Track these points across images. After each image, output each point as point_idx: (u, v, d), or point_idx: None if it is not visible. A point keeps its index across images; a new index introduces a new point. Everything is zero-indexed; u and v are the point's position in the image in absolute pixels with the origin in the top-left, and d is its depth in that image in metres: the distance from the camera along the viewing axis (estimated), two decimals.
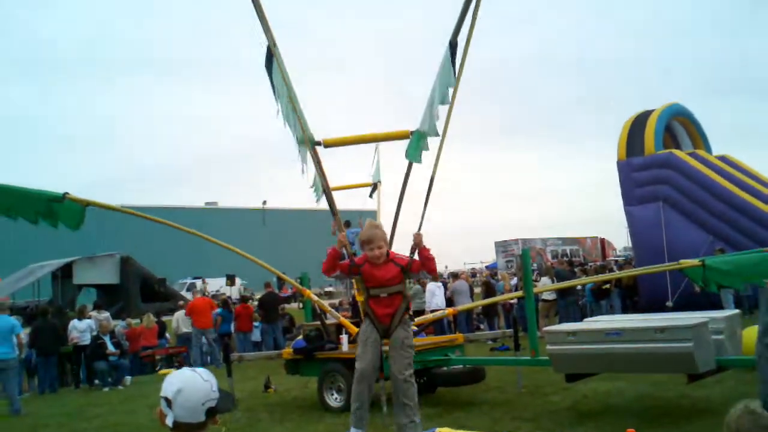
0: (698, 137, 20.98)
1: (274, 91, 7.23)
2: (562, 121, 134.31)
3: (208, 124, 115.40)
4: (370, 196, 14.48)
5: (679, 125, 21.00)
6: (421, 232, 6.94)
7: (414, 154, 7.99)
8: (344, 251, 7.08)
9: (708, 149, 20.67)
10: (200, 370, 2.50)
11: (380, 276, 6.49)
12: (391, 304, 6.50)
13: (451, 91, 7.22)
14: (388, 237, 10.07)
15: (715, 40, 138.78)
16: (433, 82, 7.47)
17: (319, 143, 7.89)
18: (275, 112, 7.34)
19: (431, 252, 6.66)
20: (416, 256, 6.69)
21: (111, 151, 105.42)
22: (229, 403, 2.61)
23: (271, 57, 6.98)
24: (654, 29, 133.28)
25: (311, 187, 13.82)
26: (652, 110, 20.02)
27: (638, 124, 19.75)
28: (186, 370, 2.49)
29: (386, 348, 6.78)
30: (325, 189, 8.67)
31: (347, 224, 12.65)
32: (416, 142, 7.93)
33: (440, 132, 7.60)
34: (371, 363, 6.46)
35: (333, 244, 6.95)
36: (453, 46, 7.00)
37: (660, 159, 18.90)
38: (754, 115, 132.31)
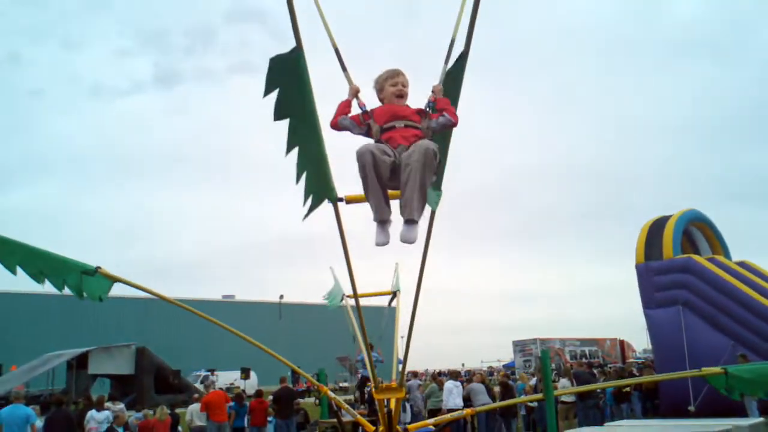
0: (717, 242, 21.08)
1: (286, 110, 6.50)
2: (581, 225, 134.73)
3: (227, 218, 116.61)
4: (389, 304, 14.67)
5: (697, 230, 21.14)
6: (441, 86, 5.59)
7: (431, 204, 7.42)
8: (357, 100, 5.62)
9: (727, 255, 20.73)
10: None
11: (396, 108, 5.33)
12: (410, 132, 5.18)
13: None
14: (406, 340, 9.93)
15: (732, 144, 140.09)
16: None
17: (341, 199, 7.58)
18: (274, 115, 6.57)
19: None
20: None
21: (129, 246, 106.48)
22: None
23: (286, 62, 6.37)
24: (673, 134, 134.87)
25: (326, 298, 13.95)
26: (670, 215, 20.21)
27: (656, 228, 19.92)
28: None
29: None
30: (343, 243, 8.28)
31: (371, 347, 12.66)
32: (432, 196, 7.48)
33: (441, 190, 7.13)
34: (376, 144, 5.01)
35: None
36: (463, 56, 6.59)
37: (679, 263, 18.95)
38: None
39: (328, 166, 7.07)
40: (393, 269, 14.67)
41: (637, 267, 19.71)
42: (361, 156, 4.84)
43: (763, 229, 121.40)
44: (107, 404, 17.83)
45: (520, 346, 45.35)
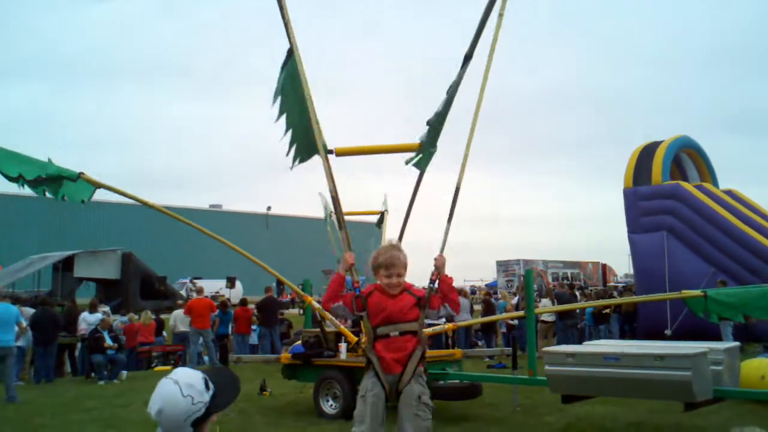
0: (706, 170, 21.08)
1: (277, 93, 7.03)
2: (572, 151, 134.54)
3: (216, 128, 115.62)
4: (377, 225, 14.77)
5: (687, 157, 21.10)
6: (444, 255, 5.59)
7: (417, 163, 7.77)
8: (350, 276, 5.69)
9: (715, 183, 20.77)
10: (183, 380, 2.46)
11: (392, 308, 5.06)
12: (404, 347, 5.04)
13: (456, 111, 7.01)
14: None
15: (727, 74, 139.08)
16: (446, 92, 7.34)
17: (331, 151, 7.72)
18: (275, 115, 7.12)
19: (453, 281, 5.41)
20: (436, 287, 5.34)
21: (117, 153, 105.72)
22: (228, 398, 2.61)
23: (290, 57, 6.94)
24: (664, 61, 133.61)
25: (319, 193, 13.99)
26: (661, 141, 20.13)
27: (646, 153, 19.86)
28: (168, 384, 2.45)
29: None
30: (333, 198, 8.55)
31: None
32: (425, 157, 7.82)
33: (436, 145, 7.41)
34: (370, 425, 4.98)
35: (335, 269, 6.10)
36: (467, 58, 6.88)
37: (666, 189, 18.98)
38: (761, 152, 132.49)
39: (319, 129, 7.20)
40: (382, 199, 14.94)
41: (625, 191, 19.74)
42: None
43: (752, 159, 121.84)
44: (84, 313, 18.00)
45: (503, 266, 45.79)
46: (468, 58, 6.77)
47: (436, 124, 7.10)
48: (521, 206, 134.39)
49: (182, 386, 2.44)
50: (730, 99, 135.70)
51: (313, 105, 7.23)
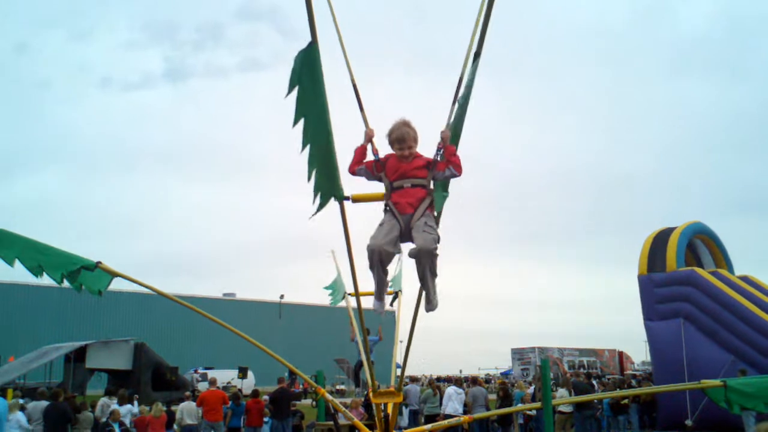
0: (720, 256, 21.03)
1: (297, 84, 6.81)
2: (583, 235, 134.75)
3: (231, 215, 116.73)
4: (391, 304, 14.59)
5: (702, 243, 21.09)
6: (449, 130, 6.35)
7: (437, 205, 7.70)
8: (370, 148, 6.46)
9: (730, 269, 20.68)
10: None
11: (405, 166, 6.02)
12: (415, 194, 5.96)
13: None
14: (406, 345, 9.99)
15: (736, 157, 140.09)
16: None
17: (347, 198, 7.68)
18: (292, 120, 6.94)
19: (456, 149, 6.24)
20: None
21: (130, 240, 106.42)
22: None
23: (311, 46, 6.68)
24: (673, 147, 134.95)
25: (327, 288, 13.96)
26: (675, 227, 20.16)
27: (660, 240, 19.86)
28: None
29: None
30: (348, 250, 8.44)
31: (367, 332, 12.66)
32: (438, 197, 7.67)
33: (448, 190, 7.33)
34: (384, 238, 5.77)
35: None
36: (477, 55, 6.80)
37: (682, 276, 18.89)
38: None
39: (336, 164, 7.18)
40: (396, 264, 14.61)
41: (640, 278, 19.65)
42: (371, 254, 5.75)
43: (766, 243, 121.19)
44: (103, 399, 17.84)
45: (518, 355, 45.31)
46: (477, 55, 6.74)
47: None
48: (536, 293, 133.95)
49: None
50: (745, 182, 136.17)
51: (333, 137, 7.11)
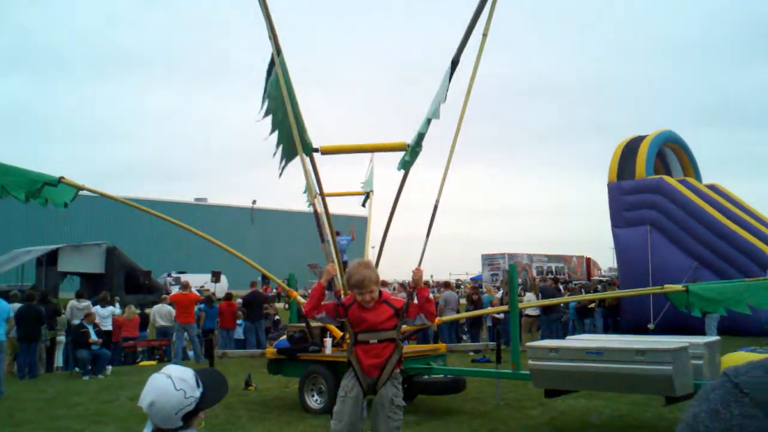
0: (689, 165, 21.25)
1: (266, 96, 7.19)
2: (556, 142, 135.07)
3: (204, 120, 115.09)
4: (363, 204, 14.70)
5: (671, 152, 21.25)
6: (422, 267, 6.14)
7: (402, 164, 7.96)
8: (333, 281, 6.30)
9: (698, 177, 20.93)
10: (176, 374, 2.54)
11: (371, 319, 5.51)
12: (382, 354, 5.51)
13: (442, 107, 7.22)
14: (378, 251, 10.15)
15: (710, 67, 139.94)
16: (433, 98, 7.50)
17: (316, 150, 7.85)
18: (261, 115, 7.23)
19: (431, 294, 5.90)
20: (414, 299, 5.85)
21: (102, 145, 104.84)
22: (218, 393, 2.67)
23: (273, 62, 7.03)
24: (648, 51, 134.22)
25: (304, 192, 13.97)
26: (645, 136, 20.26)
27: (630, 148, 19.98)
28: (161, 379, 2.53)
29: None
30: (321, 196, 8.73)
31: (336, 233, 12.75)
32: (408, 154, 7.94)
33: (421, 146, 7.56)
34: (348, 424, 5.45)
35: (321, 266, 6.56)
36: (454, 63, 7.04)
37: (650, 184, 19.11)
38: (744, 146, 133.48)
39: (304, 127, 7.34)
40: (367, 165, 14.66)
41: (609, 186, 19.86)
42: None
43: (735, 153, 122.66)
44: (72, 301, 17.90)
45: (488, 260, 45.94)
46: (455, 63, 6.88)
47: (423, 128, 7.30)
48: (506, 198, 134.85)
49: (175, 380, 2.50)
50: (713, 90, 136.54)
51: (297, 104, 7.31)
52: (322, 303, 5.75)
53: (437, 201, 6.80)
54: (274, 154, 7.69)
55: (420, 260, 6.46)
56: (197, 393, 2.53)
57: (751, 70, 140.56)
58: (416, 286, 5.83)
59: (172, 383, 2.49)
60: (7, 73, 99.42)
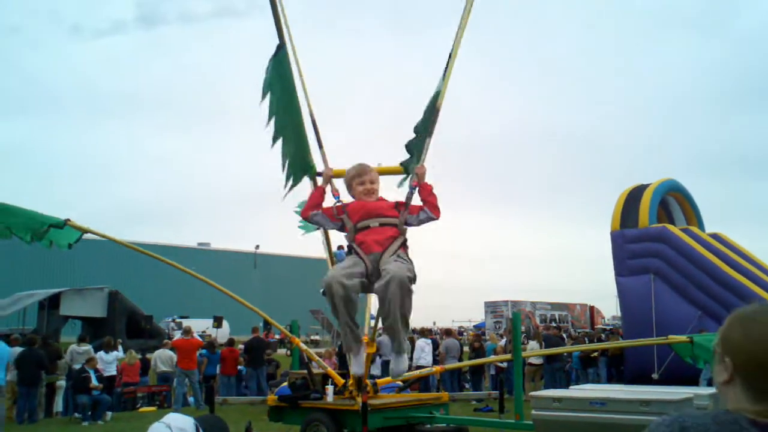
0: (692, 214, 21.29)
1: (268, 90, 6.87)
2: (557, 191, 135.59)
3: (206, 165, 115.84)
4: None
5: (674, 201, 21.32)
6: (425, 165, 5.82)
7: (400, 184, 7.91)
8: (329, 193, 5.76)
9: (701, 226, 20.96)
10: (175, 424, 2.54)
11: (371, 205, 5.27)
12: (384, 233, 5.13)
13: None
14: None
15: (708, 116, 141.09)
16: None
17: (319, 174, 7.85)
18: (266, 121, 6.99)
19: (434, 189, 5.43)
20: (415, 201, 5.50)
21: (104, 188, 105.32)
22: None
23: (279, 50, 6.88)
24: (647, 104, 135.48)
25: (300, 226, 14.00)
26: (648, 184, 20.34)
27: (633, 196, 20.04)
28: (160, 427, 2.53)
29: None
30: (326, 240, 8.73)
31: (338, 247, 12.71)
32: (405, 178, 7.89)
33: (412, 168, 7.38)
34: (342, 271, 4.98)
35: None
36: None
37: (653, 232, 19.12)
38: (745, 194, 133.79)
39: (307, 146, 7.34)
40: None
41: (612, 234, 19.86)
42: (329, 288, 4.86)
43: (737, 202, 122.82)
44: (73, 346, 17.84)
45: (491, 308, 45.77)
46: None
47: (417, 144, 7.12)
48: (509, 245, 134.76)
49: (174, 430, 2.48)
50: (717, 141, 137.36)
51: (303, 124, 7.25)
52: (321, 202, 5.50)
53: (440, 103, 6.46)
54: (282, 168, 7.50)
55: (423, 159, 6.03)
56: None
57: (753, 118, 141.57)
58: (420, 180, 5.44)
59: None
60: (10, 116, 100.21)
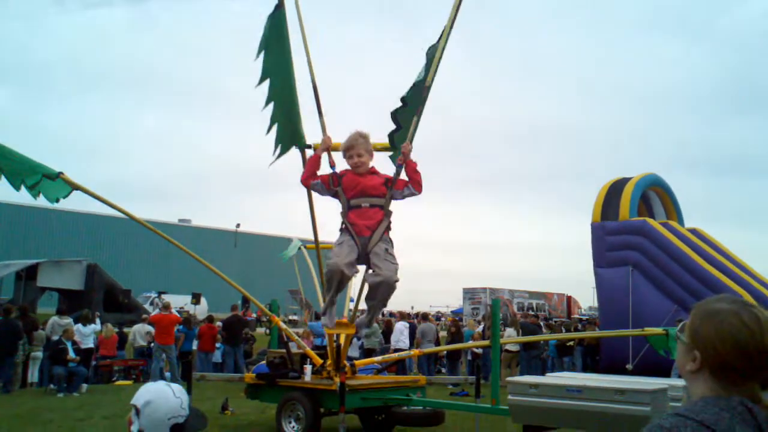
0: (672, 208, 21.47)
1: (264, 48, 6.85)
2: (539, 182, 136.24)
3: (190, 142, 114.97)
4: None
5: (655, 195, 21.48)
6: (411, 144, 6.36)
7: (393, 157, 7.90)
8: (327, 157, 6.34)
9: (680, 221, 21.15)
10: (174, 386, 2.59)
11: (363, 183, 5.85)
12: (373, 216, 5.81)
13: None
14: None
15: (691, 115, 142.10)
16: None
17: (309, 146, 7.84)
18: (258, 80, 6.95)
19: (418, 167, 6.02)
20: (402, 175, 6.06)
21: (85, 163, 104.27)
22: (199, 423, 2.68)
23: (278, 8, 6.83)
24: (633, 100, 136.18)
25: (280, 256, 14.09)
26: (630, 178, 20.48)
27: (615, 189, 20.17)
28: (161, 384, 2.57)
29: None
30: (309, 200, 8.67)
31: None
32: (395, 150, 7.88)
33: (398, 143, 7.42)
34: (345, 258, 5.68)
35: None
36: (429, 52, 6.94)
37: (633, 225, 19.27)
38: (725, 191, 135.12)
39: (300, 116, 7.27)
40: None
41: (593, 225, 19.99)
42: (333, 272, 5.68)
43: (716, 199, 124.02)
44: (54, 318, 17.74)
45: (469, 294, 45.94)
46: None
47: (405, 118, 7.14)
48: (489, 234, 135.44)
49: (174, 389, 2.53)
50: (698, 139, 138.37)
51: (297, 92, 7.17)
52: (317, 170, 6.05)
53: (430, 81, 6.68)
54: (268, 131, 7.49)
55: (410, 137, 6.58)
56: (188, 411, 2.55)
57: (736, 119, 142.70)
58: (405, 159, 5.95)
59: (171, 391, 2.52)
60: None
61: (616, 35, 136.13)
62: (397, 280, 5.68)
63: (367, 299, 5.97)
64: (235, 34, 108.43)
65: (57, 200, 8.55)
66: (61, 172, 8.54)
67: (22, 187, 8.31)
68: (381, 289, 5.66)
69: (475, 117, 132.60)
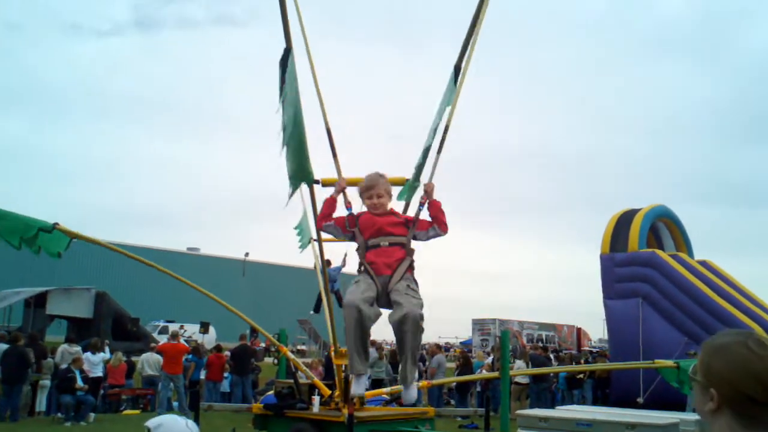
0: (681, 240, 21.44)
1: (282, 97, 6.95)
2: (548, 213, 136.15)
3: (199, 169, 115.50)
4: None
5: (664, 226, 21.46)
6: (433, 182, 5.93)
7: (400, 196, 7.92)
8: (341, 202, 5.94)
9: (690, 253, 21.09)
10: (189, 421, 2.64)
11: (380, 221, 5.48)
12: (393, 254, 5.40)
13: (448, 110, 7.12)
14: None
15: (700, 145, 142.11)
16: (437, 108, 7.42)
17: (317, 181, 7.87)
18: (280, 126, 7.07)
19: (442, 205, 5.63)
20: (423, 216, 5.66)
21: (97, 189, 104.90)
22: None
23: (287, 58, 6.92)
24: (644, 131, 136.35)
25: (295, 228, 14.00)
26: (639, 209, 20.48)
27: (624, 220, 20.17)
28: (174, 416, 2.63)
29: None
30: (318, 238, 8.69)
31: (327, 263, 12.65)
32: (405, 189, 7.91)
33: (420, 182, 7.47)
34: (362, 295, 5.20)
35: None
36: (457, 69, 6.99)
37: (643, 257, 19.23)
38: (734, 222, 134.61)
39: (307, 153, 7.35)
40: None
41: (602, 257, 19.96)
42: (349, 311, 5.16)
43: (726, 231, 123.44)
44: (63, 346, 17.77)
45: (479, 325, 45.74)
46: (458, 69, 6.83)
47: (421, 159, 7.17)
48: (499, 264, 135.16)
49: (187, 422, 2.58)
50: (708, 171, 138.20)
51: (305, 128, 7.29)
52: (333, 211, 5.71)
53: (448, 122, 6.60)
54: (291, 193, 7.52)
55: (431, 176, 6.28)
56: None
57: (746, 148, 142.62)
58: (428, 198, 5.61)
59: (184, 422, 2.57)
60: (5, 113, 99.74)
61: (625, 62, 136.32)
62: (421, 315, 5.18)
63: (398, 350, 5.43)
64: (242, 60, 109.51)
65: (59, 254, 8.56)
66: (56, 224, 8.58)
67: (23, 245, 8.38)
68: (406, 326, 5.12)
69: (484, 144, 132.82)
